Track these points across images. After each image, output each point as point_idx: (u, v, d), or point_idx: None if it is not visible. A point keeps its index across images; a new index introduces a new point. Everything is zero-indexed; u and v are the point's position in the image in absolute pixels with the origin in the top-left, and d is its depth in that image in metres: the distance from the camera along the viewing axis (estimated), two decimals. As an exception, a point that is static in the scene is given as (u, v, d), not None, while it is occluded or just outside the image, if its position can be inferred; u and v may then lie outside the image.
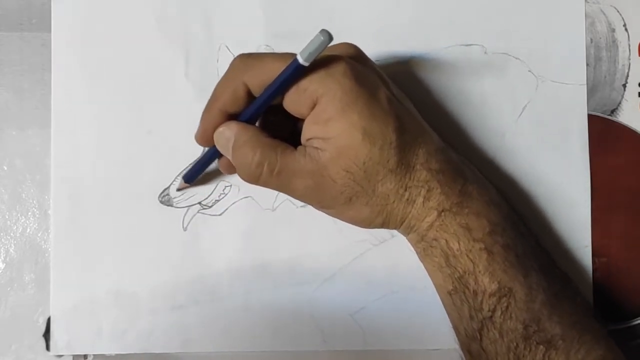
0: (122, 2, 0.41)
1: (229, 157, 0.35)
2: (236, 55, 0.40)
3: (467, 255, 0.34)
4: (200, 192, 0.40)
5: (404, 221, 0.35)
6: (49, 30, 0.40)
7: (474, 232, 0.34)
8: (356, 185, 0.33)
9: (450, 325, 0.37)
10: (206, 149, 0.38)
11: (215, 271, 0.40)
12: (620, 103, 0.42)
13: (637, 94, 0.42)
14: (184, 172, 0.40)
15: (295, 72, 0.32)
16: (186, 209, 0.40)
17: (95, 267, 0.40)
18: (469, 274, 0.34)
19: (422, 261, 0.36)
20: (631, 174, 0.41)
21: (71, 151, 0.40)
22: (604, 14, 0.42)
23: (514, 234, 0.35)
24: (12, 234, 0.40)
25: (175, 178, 0.40)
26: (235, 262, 0.40)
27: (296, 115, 0.34)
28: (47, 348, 0.40)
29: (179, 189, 0.40)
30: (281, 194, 0.40)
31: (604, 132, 0.41)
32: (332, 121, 0.33)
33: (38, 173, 0.40)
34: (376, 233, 0.40)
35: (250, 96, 0.34)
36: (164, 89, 0.40)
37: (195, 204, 0.40)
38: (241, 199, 0.40)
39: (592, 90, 0.41)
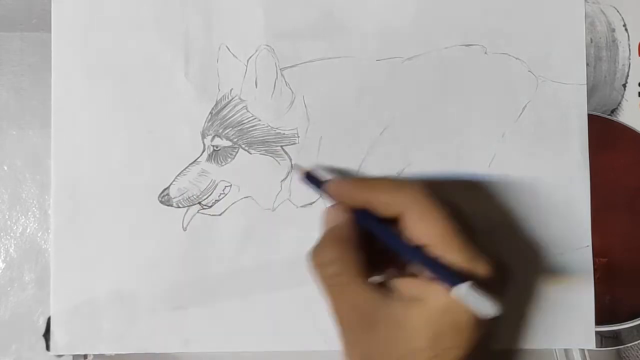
0: (122, 2, 0.41)
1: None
2: (237, 55, 0.40)
3: None
4: (200, 192, 0.40)
5: None
6: (49, 30, 0.40)
7: None
8: None
9: None
10: None
11: (215, 271, 0.40)
12: (620, 103, 0.42)
13: (637, 94, 0.42)
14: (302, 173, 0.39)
15: (443, 281, 0.32)
16: (186, 209, 0.40)
17: (95, 267, 0.40)
18: None
19: None
20: (631, 173, 0.41)
21: (71, 151, 0.40)
22: (604, 14, 0.42)
23: None
24: (12, 234, 0.40)
25: (176, 178, 0.40)
26: (235, 262, 0.40)
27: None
28: (47, 348, 0.40)
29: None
30: (281, 193, 0.40)
31: (604, 132, 0.41)
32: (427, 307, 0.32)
33: (38, 173, 0.40)
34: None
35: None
36: (164, 89, 0.40)
37: (195, 204, 0.40)
38: (241, 198, 0.40)
39: (592, 90, 0.41)
